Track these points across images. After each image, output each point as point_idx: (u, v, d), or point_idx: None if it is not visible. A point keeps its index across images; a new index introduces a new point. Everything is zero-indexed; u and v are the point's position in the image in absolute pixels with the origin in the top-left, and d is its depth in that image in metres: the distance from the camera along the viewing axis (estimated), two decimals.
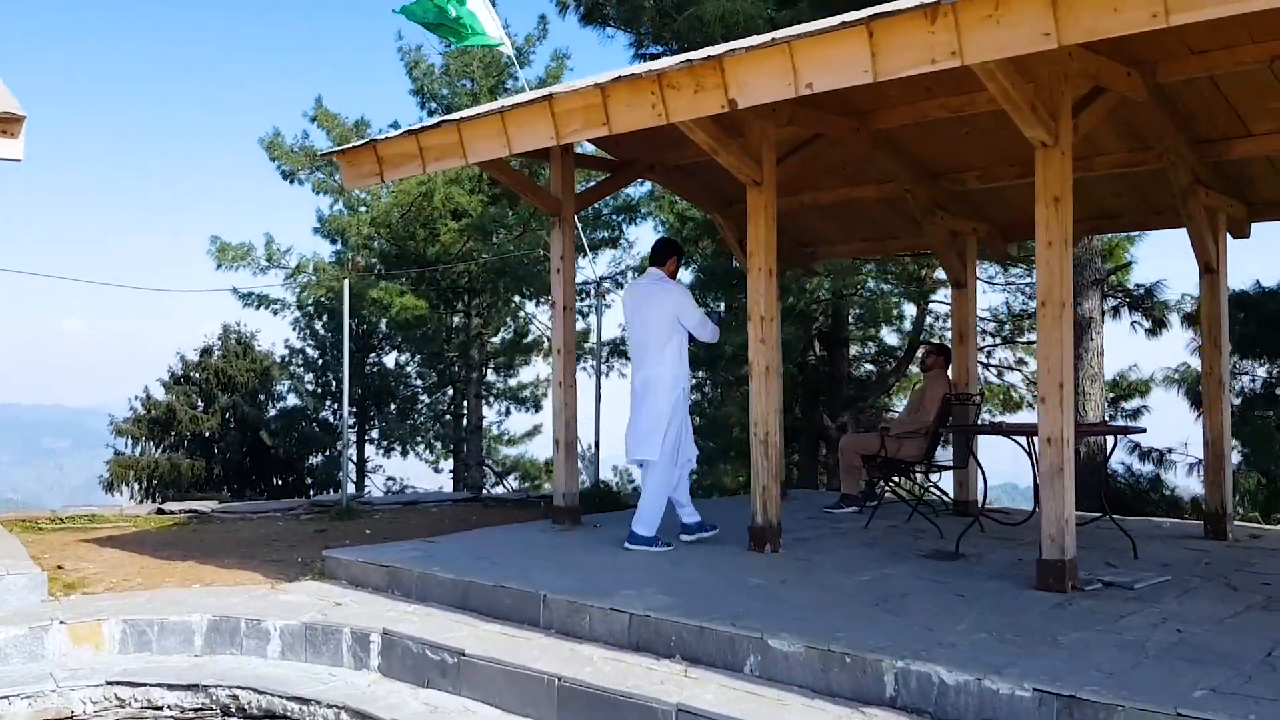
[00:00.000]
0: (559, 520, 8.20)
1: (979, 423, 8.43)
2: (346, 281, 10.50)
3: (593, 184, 9.80)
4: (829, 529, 8.11)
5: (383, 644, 5.91)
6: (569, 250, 8.09)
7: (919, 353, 18.67)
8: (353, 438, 28.34)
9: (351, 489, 28.01)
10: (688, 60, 5.53)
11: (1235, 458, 13.32)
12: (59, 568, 7.68)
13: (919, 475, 8.33)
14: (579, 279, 22.97)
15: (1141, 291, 12.98)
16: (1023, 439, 6.90)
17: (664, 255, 7.72)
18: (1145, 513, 11.56)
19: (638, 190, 21.98)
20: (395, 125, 22.21)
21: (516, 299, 22.17)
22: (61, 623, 6.15)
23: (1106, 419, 12.41)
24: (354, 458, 28.01)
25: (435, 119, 6.89)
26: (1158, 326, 13.04)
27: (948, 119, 7.54)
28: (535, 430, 26.77)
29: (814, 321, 16.67)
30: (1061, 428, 5.87)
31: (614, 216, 21.89)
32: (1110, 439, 8.27)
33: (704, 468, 20.46)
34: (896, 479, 8.18)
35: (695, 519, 7.55)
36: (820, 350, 16.77)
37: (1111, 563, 6.74)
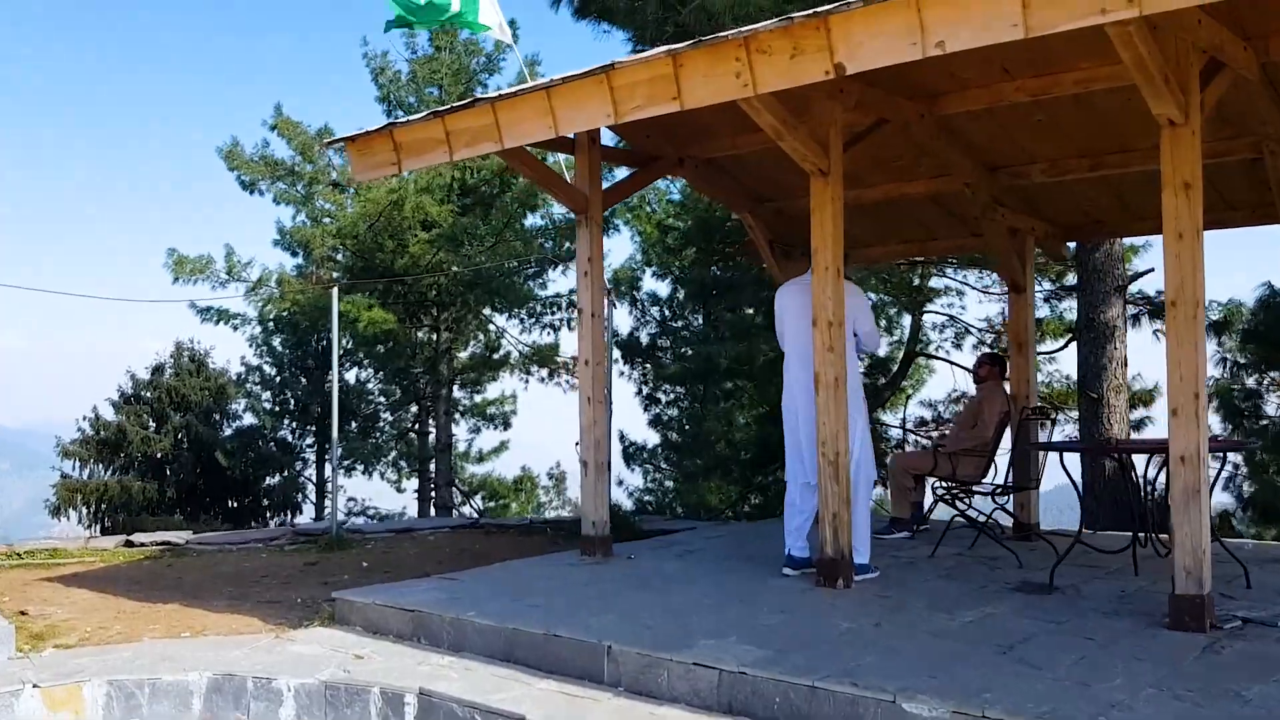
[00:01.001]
0: (589, 552, 7.27)
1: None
2: (335, 291, 9.51)
3: (613, 180, 8.90)
4: (890, 558, 7.25)
5: (419, 707, 4.96)
6: (597, 251, 7.19)
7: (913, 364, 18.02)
8: (311, 457, 27.20)
9: (312, 513, 26.87)
10: (786, 19, 4.68)
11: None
12: (22, 613, 6.64)
13: (989, 497, 7.53)
14: (552, 290, 22.12)
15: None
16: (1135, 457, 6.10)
17: None
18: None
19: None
20: None
21: (486, 312, 21.20)
22: (35, 685, 5.13)
23: (1130, 432, 11.70)
24: (314, 478, 26.85)
25: (467, 99, 5.96)
26: None
27: (1023, 104, 6.76)
28: (502, 447, 25.79)
29: None
30: (1197, 444, 5.09)
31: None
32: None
33: (685, 485, 19.62)
34: (964, 501, 7.37)
35: (806, 554, 6.63)
36: None
37: (1226, 593, 5.96)
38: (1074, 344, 11.94)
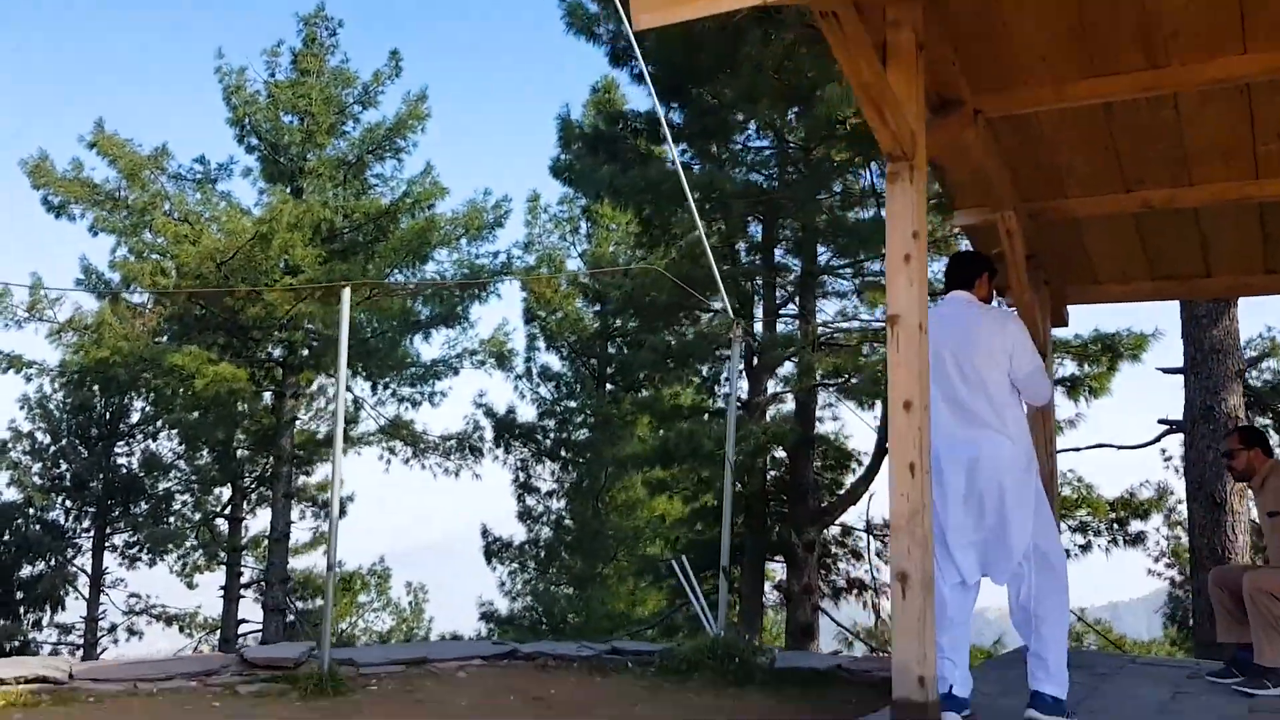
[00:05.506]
0: None
1: None
2: (346, 292, 6.00)
3: None
4: None
5: None
6: (922, 222, 4.11)
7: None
8: (86, 544, 21.90)
9: (83, 610, 21.41)
10: None
11: None
12: None
13: None
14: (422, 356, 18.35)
15: (1268, 387, 10.17)
16: None
17: (972, 271, 4.66)
18: None
19: (492, 258, 17.77)
20: (202, 160, 17.17)
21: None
22: None
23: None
24: (88, 568, 21.50)
25: None
26: None
27: None
28: (323, 538, 21.41)
29: (764, 419, 13.05)
30: None
31: (457, 293, 17.55)
32: None
33: (590, 591, 16.08)
34: None
35: (967, 690, 4.15)
36: (779, 452, 13.13)
37: None
38: (1170, 437, 9.64)
